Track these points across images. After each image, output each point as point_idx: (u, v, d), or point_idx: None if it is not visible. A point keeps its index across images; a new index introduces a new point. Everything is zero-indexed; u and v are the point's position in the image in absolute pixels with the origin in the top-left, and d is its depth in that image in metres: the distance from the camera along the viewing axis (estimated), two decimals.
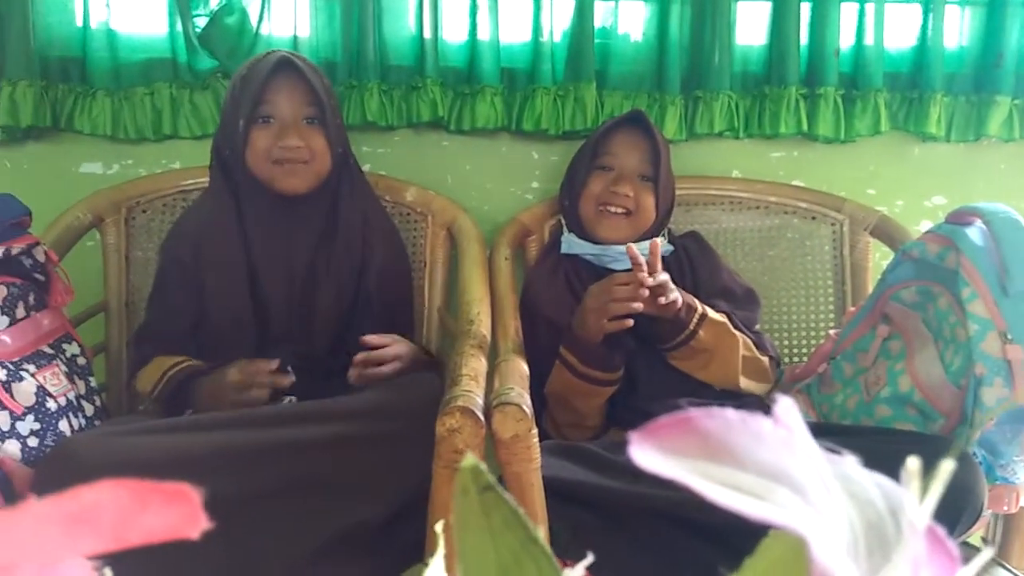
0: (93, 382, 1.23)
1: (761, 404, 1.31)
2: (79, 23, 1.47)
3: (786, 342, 1.56)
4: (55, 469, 0.95)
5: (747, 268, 1.55)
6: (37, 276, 1.18)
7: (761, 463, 0.17)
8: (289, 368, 1.16)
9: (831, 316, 1.55)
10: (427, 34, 1.49)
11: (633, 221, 1.36)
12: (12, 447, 1.01)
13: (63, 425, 1.09)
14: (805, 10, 1.55)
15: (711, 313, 1.25)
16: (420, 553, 0.98)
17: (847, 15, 1.56)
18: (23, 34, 1.43)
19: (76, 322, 1.29)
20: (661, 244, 1.38)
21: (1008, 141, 1.62)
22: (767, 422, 0.18)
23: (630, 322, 1.16)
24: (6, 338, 1.08)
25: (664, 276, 1.17)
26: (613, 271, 1.31)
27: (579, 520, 1.00)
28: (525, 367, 1.07)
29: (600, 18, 1.54)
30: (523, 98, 1.54)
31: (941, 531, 0.19)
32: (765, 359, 1.30)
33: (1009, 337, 1.01)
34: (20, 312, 1.13)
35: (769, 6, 1.56)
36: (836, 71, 1.55)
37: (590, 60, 1.52)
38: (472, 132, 1.56)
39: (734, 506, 0.16)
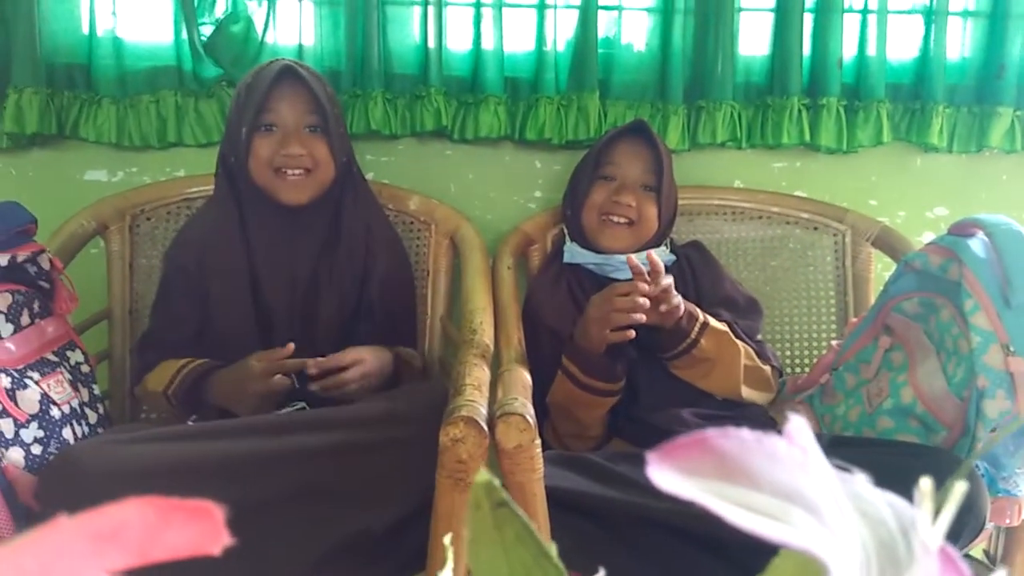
0: (96, 389, 1.23)
1: (763, 414, 1.31)
2: (85, 31, 1.48)
3: (788, 352, 1.56)
4: (58, 477, 0.95)
5: (749, 278, 1.55)
6: (42, 284, 1.18)
7: (776, 483, 0.17)
8: (294, 376, 1.16)
9: (833, 327, 1.56)
10: (431, 43, 1.50)
11: (635, 231, 1.37)
12: (16, 454, 1.02)
13: (67, 433, 1.09)
14: (808, 20, 1.56)
15: (713, 322, 1.25)
16: (423, 561, 0.98)
17: (849, 26, 1.56)
18: (29, 41, 1.44)
19: (80, 329, 1.29)
20: (663, 254, 1.38)
21: (1010, 152, 1.62)
22: (782, 442, 0.18)
23: (632, 333, 1.16)
24: (11, 346, 1.09)
25: (668, 280, 1.17)
26: (615, 280, 1.31)
27: (580, 530, 1.00)
28: (528, 377, 1.07)
29: (604, 28, 1.55)
30: (526, 107, 1.54)
31: (954, 551, 0.19)
32: (767, 369, 1.31)
33: (1012, 349, 1.02)
34: (25, 320, 1.13)
35: (772, 16, 1.57)
36: (839, 82, 1.56)
37: (593, 70, 1.53)
38: (475, 141, 1.56)
39: (751, 527, 0.16)
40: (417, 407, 1.07)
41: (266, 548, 0.94)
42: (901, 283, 1.21)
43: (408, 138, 1.58)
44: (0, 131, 1.47)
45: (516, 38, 1.55)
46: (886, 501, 0.20)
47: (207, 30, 1.49)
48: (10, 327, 1.10)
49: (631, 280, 1.18)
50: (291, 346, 1.14)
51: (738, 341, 1.26)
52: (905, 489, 0.21)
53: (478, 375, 1.01)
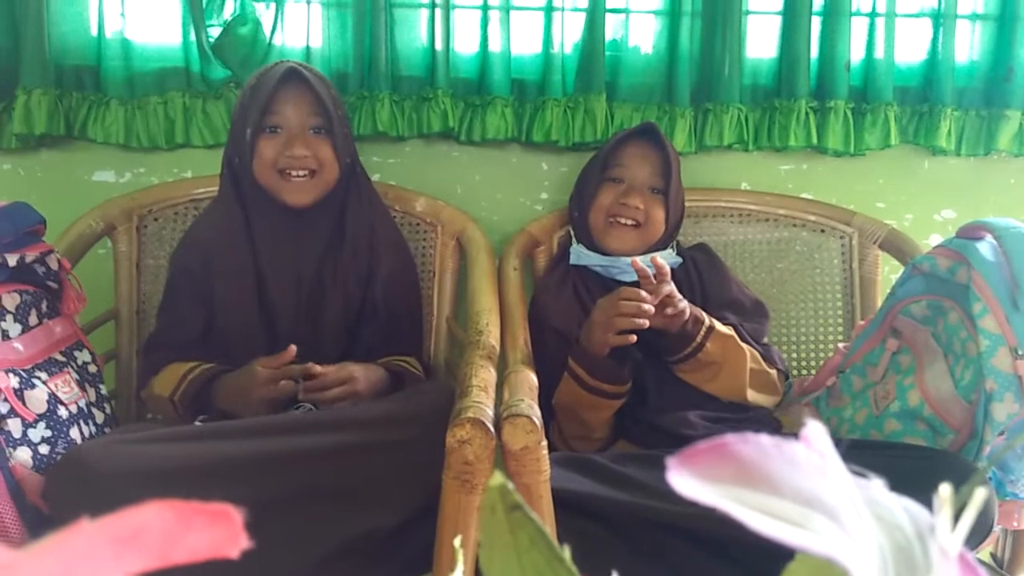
0: (103, 389, 1.23)
1: (770, 417, 1.31)
2: (94, 32, 1.48)
3: (794, 355, 1.56)
4: (65, 476, 0.95)
5: (756, 281, 1.55)
6: (50, 284, 1.18)
7: (796, 489, 0.17)
8: (298, 380, 1.16)
9: (840, 329, 1.55)
10: (439, 45, 1.50)
11: (642, 233, 1.36)
12: (23, 454, 1.02)
13: (74, 433, 1.09)
14: (815, 23, 1.56)
15: (718, 326, 1.25)
16: (428, 562, 0.98)
17: (857, 28, 1.56)
18: (38, 43, 1.44)
19: (87, 330, 1.29)
20: (669, 256, 1.38)
21: (1018, 155, 1.62)
22: (801, 447, 0.18)
23: (633, 337, 1.16)
24: (19, 345, 1.09)
25: (668, 287, 1.17)
26: (622, 283, 1.31)
27: (586, 532, 1.00)
28: (534, 378, 1.07)
29: (611, 31, 1.55)
30: (533, 109, 1.54)
31: (971, 557, 0.19)
32: (773, 372, 1.30)
33: (1020, 352, 1.01)
34: (33, 320, 1.13)
35: (779, 19, 1.57)
36: (846, 84, 1.56)
37: (600, 72, 1.53)
38: (482, 143, 1.56)
39: (773, 533, 0.16)
40: (423, 408, 1.07)
41: (271, 548, 0.94)
42: (909, 286, 1.21)
43: (415, 140, 1.58)
44: (9, 132, 1.47)
45: (523, 40, 1.56)
46: (902, 506, 0.20)
47: (215, 32, 1.50)
48: (18, 327, 1.10)
49: (638, 283, 1.18)
50: (292, 348, 1.14)
51: (744, 345, 1.26)
52: (918, 493, 0.21)
53: (484, 376, 1.01)
